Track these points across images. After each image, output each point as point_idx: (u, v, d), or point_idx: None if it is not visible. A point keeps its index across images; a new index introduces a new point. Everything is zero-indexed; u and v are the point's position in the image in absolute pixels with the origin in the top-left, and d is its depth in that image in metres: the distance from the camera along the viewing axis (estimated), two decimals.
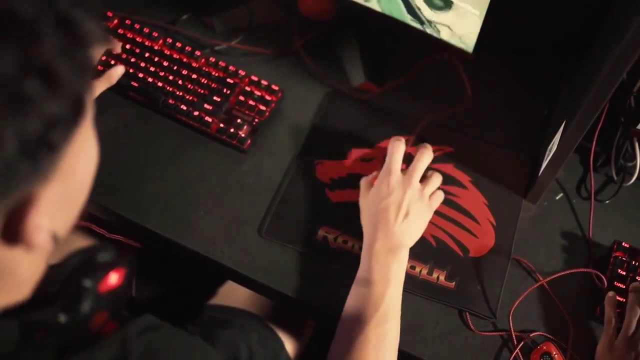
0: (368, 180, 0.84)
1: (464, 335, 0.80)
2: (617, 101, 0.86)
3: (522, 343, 0.79)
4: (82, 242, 1.02)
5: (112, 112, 0.94)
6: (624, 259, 0.84)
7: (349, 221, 0.86)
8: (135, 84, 0.95)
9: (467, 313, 0.81)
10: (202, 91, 0.95)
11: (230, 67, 0.97)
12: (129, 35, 1.00)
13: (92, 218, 0.94)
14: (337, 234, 0.86)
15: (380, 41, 1.03)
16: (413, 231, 0.79)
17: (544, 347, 0.79)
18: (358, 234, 0.85)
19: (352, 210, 0.87)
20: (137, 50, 0.98)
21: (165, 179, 0.90)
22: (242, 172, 0.91)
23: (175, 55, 0.98)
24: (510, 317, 0.81)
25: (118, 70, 0.92)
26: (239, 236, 0.86)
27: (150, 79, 0.96)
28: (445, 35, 0.90)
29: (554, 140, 0.83)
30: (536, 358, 0.79)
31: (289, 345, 0.97)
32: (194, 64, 0.97)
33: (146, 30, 1.00)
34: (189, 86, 0.96)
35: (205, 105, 0.94)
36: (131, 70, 0.96)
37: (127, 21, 1.01)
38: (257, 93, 0.95)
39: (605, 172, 0.93)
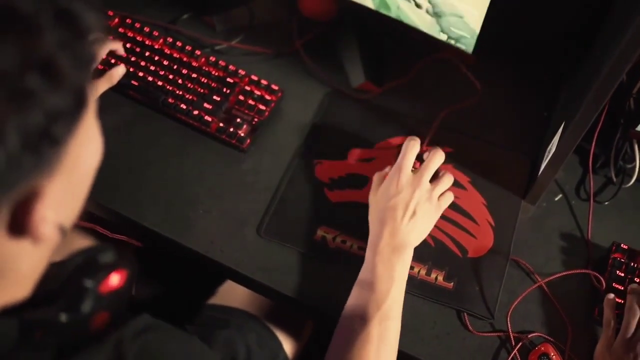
0: (380, 176, 0.83)
1: (461, 336, 0.81)
2: (617, 102, 0.86)
3: (520, 344, 0.79)
4: (85, 242, 1.02)
5: (112, 110, 0.94)
6: (622, 260, 0.85)
7: (348, 221, 0.86)
8: (136, 83, 0.95)
9: (465, 313, 0.81)
10: (202, 90, 0.95)
11: (230, 67, 0.97)
12: (130, 34, 1.00)
13: (94, 218, 0.94)
14: (335, 233, 0.86)
15: (380, 41, 1.03)
16: (419, 231, 0.79)
17: (542, 348, 0.79)
18: (357, 234, 0.85)
19: (351, 210, 0.87)
20: (138, 49, 0.98)
21: (165, 178, 0.90)
22: (242, 171, 0.91)
23: (175, 55, 0.98)
24: (509, 318, 0.81)
25: (119, 70, 0.92)
26: (237, 235, 0.86)
27: (150, 78, 0.96)
28: (444, 35, 0.90)
29: (553, 141, 0.83)
30: (534, 359, 0.79)
31: (287, 346, 0.97)
32: (194, 63, 0.98)
33: (147, 29, 1.00)
34: (189, 85, 0.96)
35: (205, 105, 0.94)
36: (131, 69, 0.96)
37: (127, 20, 1.01)
38: (257, 92, 0.95)
39: (605, 174, 0.93)
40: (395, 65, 1.02)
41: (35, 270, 0.45)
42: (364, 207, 0.87)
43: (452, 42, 0.90)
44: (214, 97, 0.94)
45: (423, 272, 0.84)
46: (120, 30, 1.00)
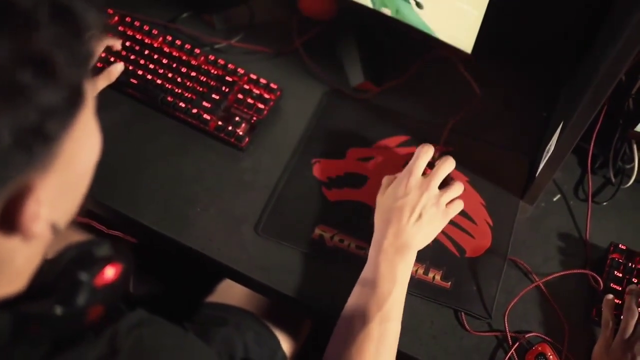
0: (390, 179, 0.83)
1: (459, 335, 0.80)
2: (616, 103, 0.86)
3: (518, 344, 0.79)
4: (81, 237, 1.02)
5: (110, 108, 0.95)
6: (620, 260, 0.84)
7: (346, 220, 0.86)
8: (135, 81, 0.95)
9: (463, 313, 0.81)
10: (201, 89, 0.95)
11: (230, 65, 0.97)
12: (129, 32, 1.00)
13: (91, 214, 0.94)
14: (333, 232, 0.86)
15: (379, 41, 1.03)
16: (423, 235, 0.79)
17: (539, 348, 0.79)
18: (354, 233, 0.85)
19: (349, 209, 0.87)
20: (137, 48, 0.98)
21: (163, 176, 0.90)
22: (240, 169, 0.91)
23: (174, 53, 0.98)
24: (506, 318, 0.81)
25: (117, 68, 0.92)
26: (235, 234, 0.86)
27: (149, 76, 0.96)
28: (443, 35, 0.90)
29: (551, 141, 0.83)
30: (531, 359, 0.79)
31: (285, 344, 0.97)
32: (193, 62, 0.98)
33: (146, 27, 1.01)
34: (188, 84, 0.96)
35: (204, 103, 0.94)
36: (130, 68, 0.96)
37: (127, 18, 1.01)
38: (256, 91, 0.95)
39: (603, 174, 0.93)
40: (394, 65, 1.02)
41: (30, 265, 0.45)
42: (362, 206, 0.88)
43: (451, 41, 0.90)
44: (213, 95, 0.95)
45: (421, 271, 0.83)
46: (120, 28, 1.01)
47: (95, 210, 0.91)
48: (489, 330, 0.81)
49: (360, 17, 1.01)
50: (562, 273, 0.84)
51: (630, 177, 0.91)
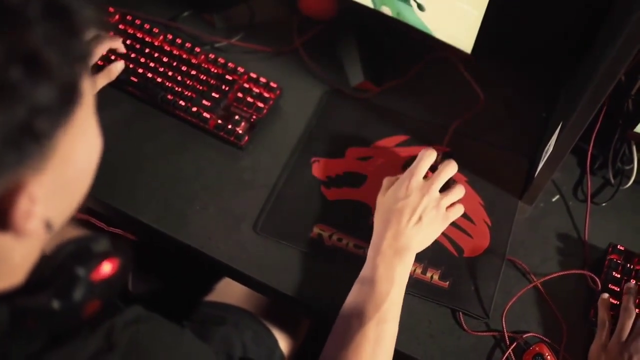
0: (391, 180, 0.83)
1: (456, 335, 0.80)
2: (615, 103, 0.86)
3: (515, 344, 0.79)
4: (79, 233, 1.02)
5: (110, 107, 0.95)
6: (618, 261, 0.84)
7: (344, 219, 0.86)
8: (135, 79, 0.95)
9: (461, 313, 0.81)
10: (200, 87, 0.96)
11: (230, 64, 0.98)
12: (130, 31, 1.00)
13: (90, 212, 0.94)
14: (332, 231, 0.86)
15: (379, 41, 1.04)
16: (423, 237, 0.78)
17: (537, 348, 0.79)
18: (353, 232, 0.85)
19: (348, 209, 0.87)
20: (138, 46, 0.99)
21: (163, 174, 0.90)
22: (239, 168, 0.92)
23: (175, 52, 0.99)
24: (504, 318, 0.81)
25: (118, 66, 0.92)
26: (234, 232, 0.86)
27: (149, 75, 0.96)
28: (443, 35, 0.90)
29: (550, 141, 0.83)
30: (528, 359, 0.79)
31: (284, 343, 0.97)
32: (193, 61, 0.98)
33: (147, 26, 1.01)
34: (188, 82, 0.96)
35: (204, 102, 0.94)
36: (131, 66, 0.96)
37: (128, 17, 1.02)
38: (256, 90, 0.95)
39: (603, 175, 0.93)
40: (395, 65, 1.02)
41: (26, 261, 0.45)
42: (361, 206, 0.88)
43: (451, 41, 0.90)
44: (213, 94, 0.95)
45: (419, 270, 0.83)
46: (121, 26, 1.01)
47: (95, 207, 0.91)
48: (486, 330, 0.81)
49: (360, 17, 1.01)
50: (560, 273, 0.84)
51: (629, 178, 0.91)
